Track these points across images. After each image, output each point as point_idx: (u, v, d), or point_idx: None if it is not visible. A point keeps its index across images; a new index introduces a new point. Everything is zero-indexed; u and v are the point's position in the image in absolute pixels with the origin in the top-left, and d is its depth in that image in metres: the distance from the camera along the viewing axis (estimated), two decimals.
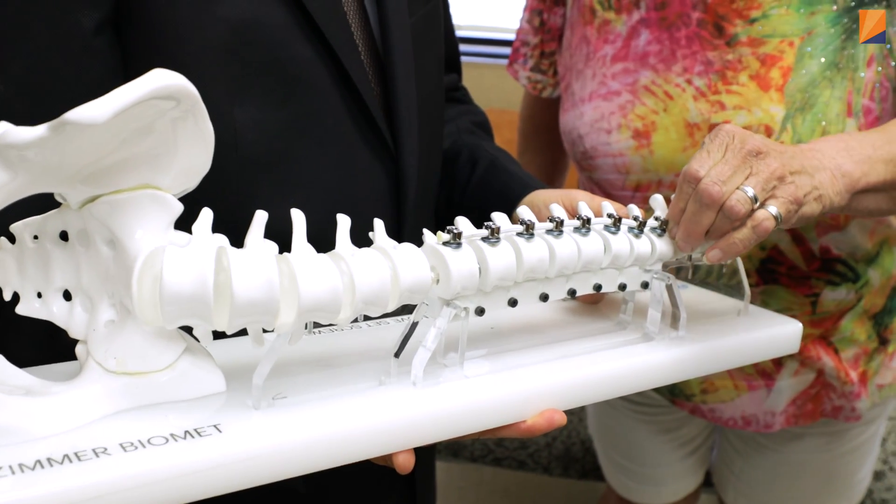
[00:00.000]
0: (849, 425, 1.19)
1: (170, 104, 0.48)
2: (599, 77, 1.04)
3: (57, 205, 0.54)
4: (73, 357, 0.59)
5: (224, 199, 0.61)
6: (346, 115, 0.76)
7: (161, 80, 0.46)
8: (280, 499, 0.71)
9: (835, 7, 1.00)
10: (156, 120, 0.49)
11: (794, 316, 0.98)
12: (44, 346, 0.61)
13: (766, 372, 1.12)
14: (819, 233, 1.04)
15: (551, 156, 1.37)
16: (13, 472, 0.45)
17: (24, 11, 0.62)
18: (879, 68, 1.00)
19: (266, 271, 0.51)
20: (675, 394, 1.18)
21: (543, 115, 1.32)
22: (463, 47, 1.11)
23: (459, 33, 1.06)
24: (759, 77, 1.00)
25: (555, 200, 0.79)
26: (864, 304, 1.09)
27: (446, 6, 0.97)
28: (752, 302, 0.86)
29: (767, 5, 1.00)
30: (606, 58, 1.05)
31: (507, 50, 2.41)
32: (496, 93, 2.25)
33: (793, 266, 1.06)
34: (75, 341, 0.57)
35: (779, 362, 1.12)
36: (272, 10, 0.71)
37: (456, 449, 1.78)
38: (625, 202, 1.04)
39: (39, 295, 0.55)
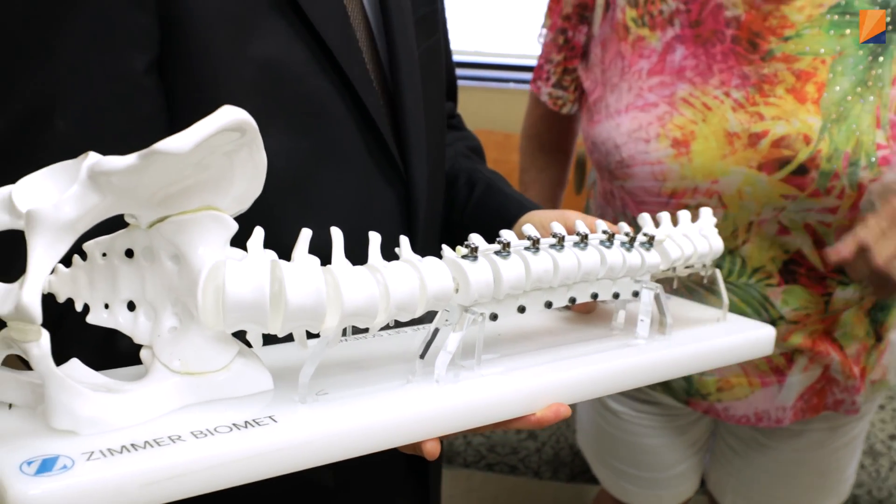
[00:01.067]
0: (843, 420, 1.28)
1: (235, 135, 0.55)
2: (636, 90, 1.12)
3: (123, 225, 0.61)
4: (123, 363, 0.66)
5: (255, 219, 0.68)
6: (361, 143, 0.83)
7: (231, 114, 0.53)
8: (309, 491, 0.78)
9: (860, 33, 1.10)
10: (221, 149, 0.56)
11: (808, 314, 1.07)
12: (100, 352, 0.68)
13: (778, 368, 1.20)
14: (836, 236, 1.13)
15: (554, 174, 1.44)
16: (104, 456, 0.52)
17: (84, 56, 0.69)
18: None
19: (315, 281, 0.59)
20: (690, 394, 1.26)
21: (550, 135, 1.40)
22: None
23: None
24: (795, 91, 1.09)
25: (552, 219, 0.87)
26: (864, 301, 1.19)
27: (447, 38, 1.05)
28: (769, 301, 0.95)
29: (800, 25, 1.10)
30: (642, 71, 1.13)
31: (492, 73, 2.51)
32: (482, 115, 2.34)
33: (812, 267, 1.15)
34: (127, 348, 0.63)
35: (790, 358, 1.20)
36: (295, 48, 0.78)
37: (450, 456, 1.86)
38: (659, 208, 1.12)
39: (106, 306, 0.62)
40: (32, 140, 0.69)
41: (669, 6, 1.15)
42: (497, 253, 0.68)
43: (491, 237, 0.71)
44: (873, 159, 1.09)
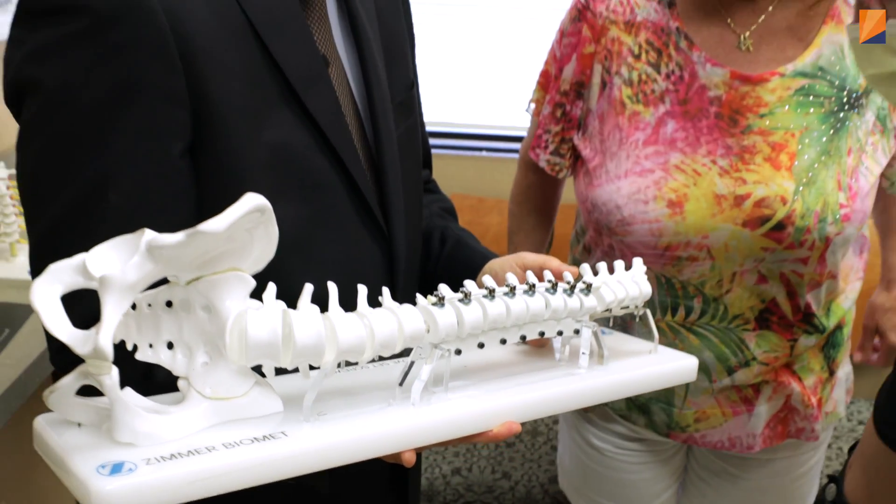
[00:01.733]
0: (804, 449, 1.46)
1: (256, 215, 0.72)
2: (634, 158, 1.30)
3: (164, 281, 0.78)
4: (159, 391, 0.82)
5: (267, 275, 0.84)
6: (351, 209, 1.01)
7: (254, 200, 0.70)
8: (307, 496, 0.94)
9: (823, 110, 1.29)
10: (244, 226, 0.73)
11: (776, 356, 1.26)
12: (141, 382, 0.84)
13: (747, 399, 1.39)
14: (808, 290, 1.32)
15: (541, 234, 1.62)
16: (158, 461, 0.68)
17: (134, 144, 0.85)
18: (855, 157, 1.29)
19: (316, 326, 0.75)
20: (671, 427, 1.43)
21: (542, 198, 1.57)
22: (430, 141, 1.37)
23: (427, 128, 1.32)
24: (771, 159, 1.29)
25: (509, 264, 1.04)
26: (819, 339, 1.37)
27: (421, 117, 1.23)
28: (744, 343, 1.13)
29: (773, 104, 1.29)
30: (639, 142, 1.31)
31: (465, 143, 2.70)
32: (457, 180, 2.52)
33: (783, 315, 1.34)
34: (163, 379, 0.80)
35: (757, 389, 1.39)
36: (299, 133, 0.95)
37: (430, 495, 2.01)
38: (655, 261, 1.30)
39: (151, 346, 0.79)
40: (90, 211, 0.85)
41: (660, 86, 1.33)
42: (460, 300, 0.85)
43: (459, 285, 0.88)
44: (838, 216, 1.28)
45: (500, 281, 1.00)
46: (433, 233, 1.20)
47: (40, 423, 0.75)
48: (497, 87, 2.71)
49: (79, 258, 0.70)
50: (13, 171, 1.86)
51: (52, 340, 0.90)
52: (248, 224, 0.72)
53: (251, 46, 0.92)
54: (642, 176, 1.31)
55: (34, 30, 0.87)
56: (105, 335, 0.66)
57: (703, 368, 1.36)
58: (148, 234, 0.69)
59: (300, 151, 0.95)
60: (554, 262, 1.01)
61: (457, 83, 2.68)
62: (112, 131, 0.86)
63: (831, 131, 1.30)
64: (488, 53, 2.72)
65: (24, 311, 1.56)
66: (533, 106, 1.51)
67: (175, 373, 0.78)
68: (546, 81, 1.48)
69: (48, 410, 0.75)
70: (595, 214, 1.36)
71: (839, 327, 1.41)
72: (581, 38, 1.40)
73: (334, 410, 0.80)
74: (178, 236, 0.68)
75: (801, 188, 1.28)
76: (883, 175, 1.39)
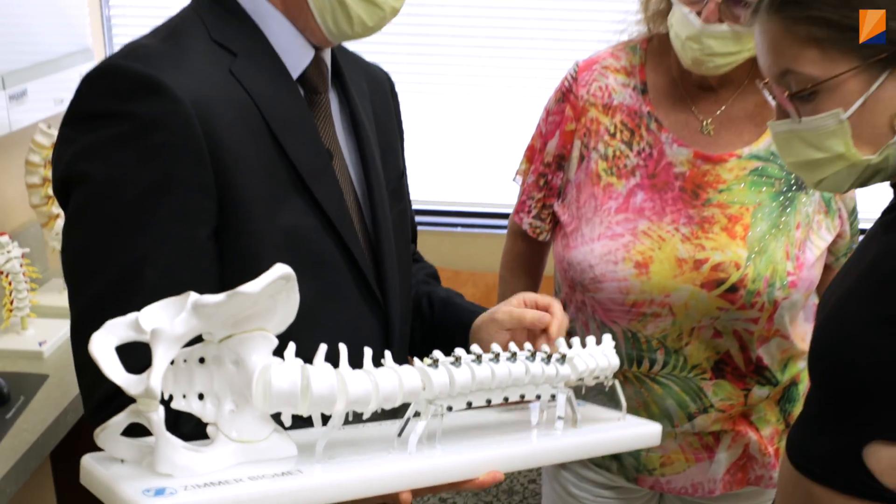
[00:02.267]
0: (765, 497, 1.58)
1: (283, 282, 0.85)
2: (606, 223, 1.46)
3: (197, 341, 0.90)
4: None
5: (285, 336, 0.96)
6: (353, 285, 1.14)
7: (282, 269, 0.84)
8: None
9: (774, 189, 1.47)
10: (270, 292, 0.86)
11: (732, 404, 1.40)
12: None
13: (708, 446, 1.52)
14: (758, 345, 1.46)
15: None
16: (194, 488, 0.80)
17: (168, 229, 0.98)
18: (803, 232, 1.45)
19: (329, 379, 0.88)
20: (639, 470, 1.55)
21: (529, 260, 1.71)
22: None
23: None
24: (727, 229, 1.45)
25: (500, 316, 1.19)
26: (773, 393, 1.50)
27: (409, 199, 1.38)
28: (703, 392, 1.26)
29: (730, 182, 1.47)
30: (611, 210, 1.47)
31: (443, 219, 2.88)
32: (434, 254, 2.69)
33: (737, 367, 1.48)
34: (190, 431, 0.91)
35: (718, 437, 1.52)
36: (307, 218, 1.10)
37: None
38: (622, 316, 1.43)
39: (184, 396, 0.90)
40: (129, 286, 0.97)
41: (632, 161, 1.50)
42: (452, 363, 0.98)
43: (452, 342, 1.01)
44: (785, 283, 1.44)
45: (489, 332, 1.14)
46: (421, 299, 1.34)
47: (88, 460, 0.86)
48: (470, 170, 2.90)
49: (131, 316, 0.83)
50: (27, 250, 1.99)
51: (90, 398, 1.02)
52: (275, 290, 0.86)
53: (267, 143, 1.07)
54: (613, 239, 1.47)
55: (85, 131, 1.01)
56: (156, 377, 0.79)
57: (666, 415, 1.49)
58: (194, 296, 0.82)
59: (309, 234, 1.10)
60: (556, 305, 1.16)
61: (432, 165, 2.85)
62: (150, 218, 0.99)
63: (781, 208, 1.47)
64: (461, 138, 2.92)
65: (37, 381, 1.68)
66: (520, 177, 1.68)
67: (204, 420, 0.89)
68: (531, 154, 1.64)
69: (61, 470, 0.86)
70: (570, 273, 1.52)
71: (794, 383, 1.55)
72: (564, 116, 1.57)
73: (342, 455, 0.92)
74: (220, 296, 0.81)
75: (753, 256, 1.44)
76: (829, 250, 1.55)
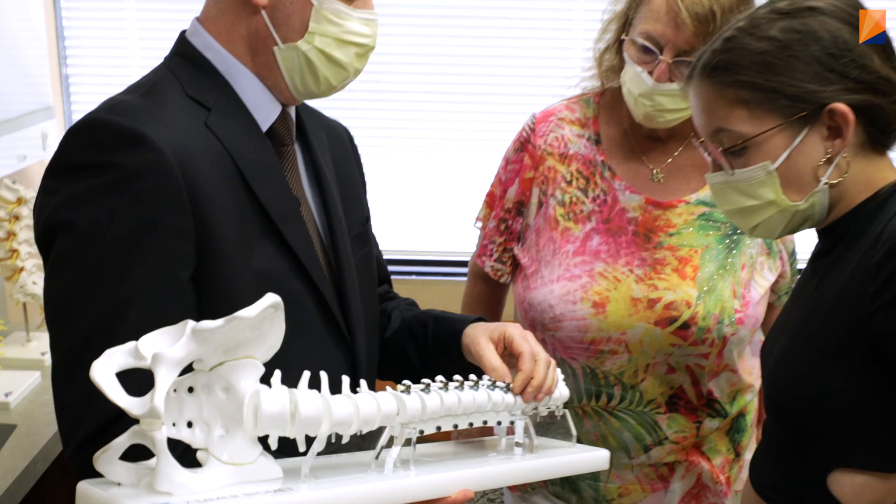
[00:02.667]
0: None
1: (271, 310, 0.92)
2: (565, 266, 1.55)
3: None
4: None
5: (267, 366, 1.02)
6: (321, 322, 1.21)
7: (273, 297, 0.90)
8: None
9: (720, 233, 1.59)
10: (259, 321, 0.93)
11: (685, 436, 1.51)
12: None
13: (663, 476, 1.61)
14: (709, 378, 1.57)
15: None
16: (196, 503, 0.85)
17: (151, 272, 1.04)
18: (747, 272, 1.57)
19: (315, 402, 0.94)
20: (598, 502, 1.62)
21: (490, 302, 1.80)
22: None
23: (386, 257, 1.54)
24: (678, 270, 1.56)
25: (493, 333, 1.26)
26: (722, 423, 1.60)
27: (377, 244, 1.46)
28: (658, 425, 1.40)
29: (680, 226, 1.59)
30: (569, 253, 1.57)
31: (399, 268, 2.95)
32: None
33: (689, 401, 1.58)
34: (175, 455, 0.97)
35: (672, 468, 1.61)
36: (279, 261, 1.17)
37: None
38: (581, 353, 1.52)
39: (174, 424, 0.96)
40: (113, 327, 1.02)
41: (588, 207, 1.61)
42: (422, 390, 1.06)
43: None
44: (733, 319, 1.55)
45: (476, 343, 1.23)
46: (412, 323, 1.40)
47: (84, 485, 0.91)
48: (425, 222, 3.02)
49: (130, 344, 0.89)
50: None
51: (73, 436, 1.05)
52: (265, 317, 0.93)
53: (240, 191, 1.14)
54: (571, 281, 1.57)
55: (70, 181, 1.06)
56: (159, 398, 0.85)
57: (623, 447, 1.58)
58: (192, 323, 0.88)
59: (280, 276, 1.17)
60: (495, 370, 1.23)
61: (385, 215, 2.94)
62: (133, 262, 1.05)
63: (727, 250, 1.59)
64: (409, 190, 3.03)
65: (5, 430, 1.71)
66: (480, 223, 1.77)
67: (194, 445, 0.95)
68: (492, 200, 1.74)
69: None
70: (531, 313, 1.61)
71: (742, 415, 1.65)
72: (523, 165, 1.67)
73: (325, 476, 0.98)
74: (219, 321, 0.87)
75: (702, 295, 1.55)
76: (771, 290, 1.67)
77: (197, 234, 1.08)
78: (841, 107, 1.13)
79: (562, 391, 1.24)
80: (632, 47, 1.54)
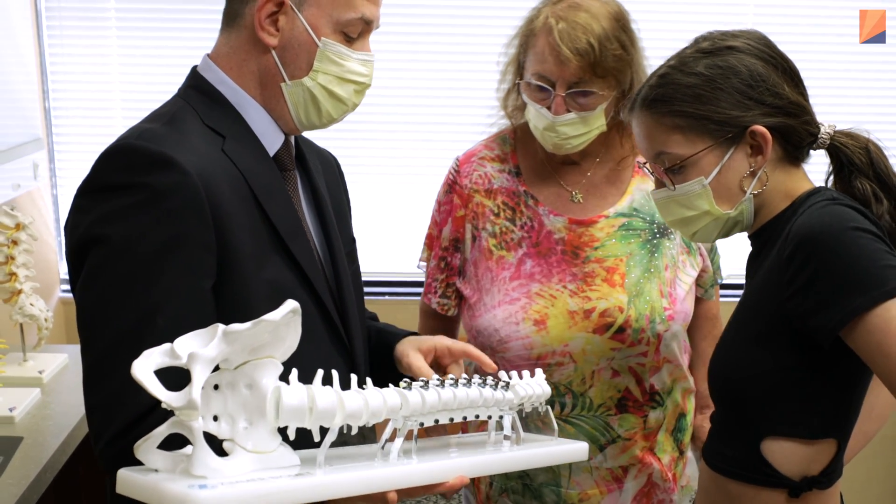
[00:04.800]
0: None
1: (290, 314, 1.05)
2: (504, 291, 1.69)
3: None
4: None
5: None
6: (324, 329, 1.33)
7: (293, 303, 1.03)
8: None
9: (641, 239, 1.74)
10: (279, 324, 1.06)
11: (635, 431, 1.66)
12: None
13: (618, 478, 1.74)
14: (650, 374, 1.71)
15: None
16: (231, 483, 0.97)
17: (178, 280, 1.14)
18: (671, 271, 1.72)
19: (330, 396, 1.07)
20: None
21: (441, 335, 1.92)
22: None
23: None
24: (607, 280, 1.71)
25: (422, 345, 1.39)
26: (666, 422, 1.75)
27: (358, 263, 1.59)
28: (610, 426, 1.60)
29: (603, 239, 1.74)
30: (506, 279, 1.71)
31: (388, 289, 3.09)
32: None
33: (636, 399, 1.73)
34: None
35: (625, 469, 1.75)
36: (287, 273, 1.29)
37: None
38: (530, 370, 1.60)
39: (202, 418, 1.08)
40: (143, 332, 1.12)
41: (517, 235, 1.75)
42: (422, 387, 1.19)
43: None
44: (664, 317, 1.71)
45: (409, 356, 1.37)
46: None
47: (125, 472, 1.03)
48: (391, 244, 3.13)
49: (166, 345, 1.01)
50: None
51: (103, 434, 1.16)
52: (285, 321, 1.06)
53: (253, 209, 1.27)
54: (512, 304, 1.72)
55: (103, 200, 1.18)
56: (196, 391, 0.97)
57: None
58: (222, 326, 1.01)
59: (289, 286, 1.29)
60: (475, 351, 1.37)
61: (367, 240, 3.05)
62: (162, 273, 1.16)
63: (649, 254, 1.75)
64: (390, 216, 3.15)
65: (13, 442, 1.80)
66: (423, 263, 1.91)
67: (220, 437, 1.06)
68: (430, 241, 1.88)
69: None
70: (479, 339, 1.75)
71: (683, 415, 1.80)
72: (453, 205, 1.82)
73: (338, 464, 1.10)
74: (247, 324, 1.00)
75: (632, 299, 1.70)
76: (698, 284, 1.82)
77: (218, 248, 1.20)
78: (760, 128, 1.33)
79: (544, 388, 1.37)
80: (528, 88, 1.71)
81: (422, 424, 1.18)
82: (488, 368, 1.38)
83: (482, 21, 2.99)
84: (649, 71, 1.64)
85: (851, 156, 1.36)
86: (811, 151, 1.40)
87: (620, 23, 1.68)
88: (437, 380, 1.21)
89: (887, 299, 1.20)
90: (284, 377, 1.08)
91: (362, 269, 1.55)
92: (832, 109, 2.93)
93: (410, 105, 3.11)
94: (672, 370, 1.77)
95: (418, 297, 1.94)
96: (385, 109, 3.04)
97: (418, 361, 1.38)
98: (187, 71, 1.36)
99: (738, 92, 1.33)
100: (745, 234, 1.45)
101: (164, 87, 1.47)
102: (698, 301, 1.84)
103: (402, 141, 3.13)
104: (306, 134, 1.47)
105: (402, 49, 3.05)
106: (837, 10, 2.76)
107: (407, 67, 3.06)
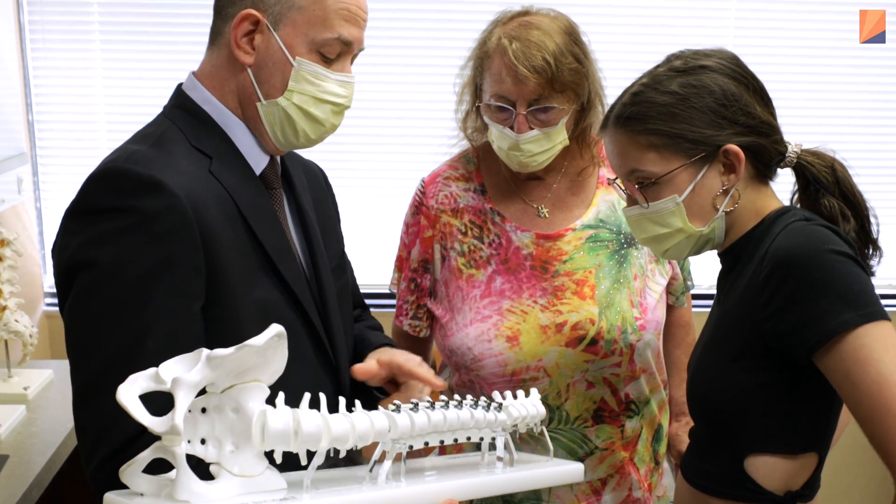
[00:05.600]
0: None
1: (276, 339, 1.04)
2: (475, 309, 1.68)
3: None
4: None
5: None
6: (311, 348, 1.33)
7: (278, 327, 1.02)
8: None
9: (608, 250, 1.74)
10: (265, 348, 1.05)
11: (613, 441, 1.65)
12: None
13: (596, 490, 1.75)
14: (625, 384, 1.71)
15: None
16: None
17: (168, 303, 1.14)
18: (640, 281, 1.71)
19: (316, 420, 1.06)
20: None
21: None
22: None
23: None
24: (577, 293, 1.70)
25: (381, 356, 1.38)
26: (644, 432, 1.74)
27: (352, 273, 1.58)
28: (587, 438, 1.53)
29: (571, 252, 1.73)
30: (476, 297, 1.70)
31: (376, 301, 3.03)
32: None
33: (612, 410, 1.72)
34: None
35: (604, 482, 1.75)
36: (275, 292, 1.29)
37: None
38: (505, 386, 1.64)
39: (189, 441, 1.07)
40: (131, 355, 1.12)
41: (486, 252, 1.76)
42: (411, 409, 1.18)
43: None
44: (635, 327, 1.71)
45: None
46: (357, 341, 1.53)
47: (111, 496, 1.02)
48: (375, 257, 3.05)
49: (152, 370, 1.00)
50: None
51: (94, 454, 1.16)
52: (270, 345, 1.05)
53: (241, 230, 1.27)
54: (484, 321, 1.72)
55: (92, 224, 1.17)
56: (179, 417, 0.96)
57: None
58: (206, 350, 1.00)
59: (277, 306, 1.29)
60: (421, 372, 1.36)
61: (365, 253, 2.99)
62: (152, 296, 1.16)
63: (618, 265, 1.75)
64: (375, 228, 3.13)
65: None
66: (394, 286, 1.90)
67: (207, 460, 1.06)
68: (400, 263, 1.88)
69: None
70: (453, 358, 1.75)
71: (660, 426, 1.80)
72: (420, 226, 1.83)
73: (325, 487, 1.09)
74: (230, 349, 0.99)
75: (603, 311, 1.70)
76: (668, 292, 1.83)
77: (207, 269, 1.19)
78: (734, 147, 1.34)
79: (539, 409, 1.36)
80: (488, 110, 1.72)
81: (411, 447, 1.17)
82: (436, 387, 1.38)
83: (462, 33, 2.97)
84: (605, 82, 1.68)
85: (818, 174, 1.38)
86: (778, 170, 1.42)
87: (572, 36, 1.70)
88: (428, 401, 1.20)
89: (859, 325, 1.22)
90: (271, 400, 1.07)
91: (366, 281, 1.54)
92: (832, 111, 2.97)
93: (395, 117, 3.11)
94: (648, 379, 1.77)
95: (393, 310, 1.94)
96: (370, 122, 3.05)
97: (363, 367, 1.38)
98: (172, 85, 1.36)
99: (712, 111, 1.34)
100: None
101: (148, 100, 1.48)
102: (670, 309, 1.85)
103: (388, 153, 3.13)
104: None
105: (396, 60, 3.05)
106: (837, 10, 2.68)
107: (399, 76, 3.06)
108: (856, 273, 1.26)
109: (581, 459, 1.73)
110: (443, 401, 1.22)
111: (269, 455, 1.07)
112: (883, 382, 1.20)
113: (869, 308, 1.23)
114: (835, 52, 2.88)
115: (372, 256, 3.02)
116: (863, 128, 3.06)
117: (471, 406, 1.25)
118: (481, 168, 1.83)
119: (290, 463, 1.07)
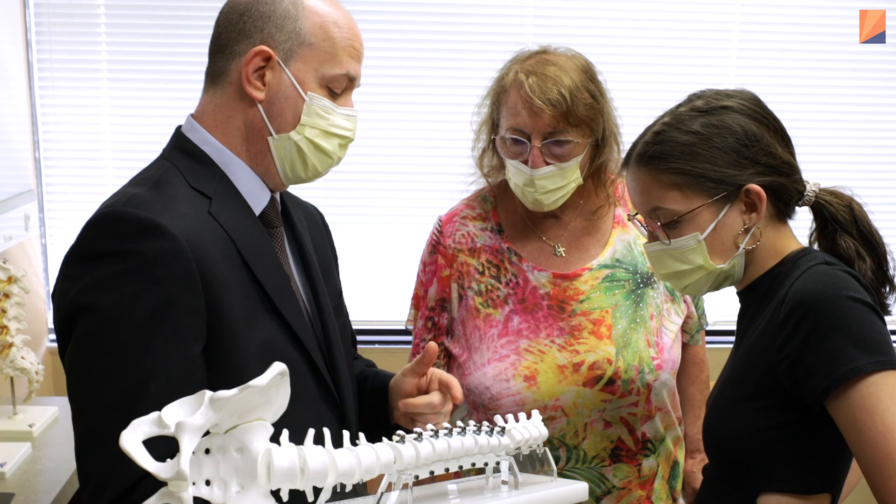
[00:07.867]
0: None
1: (279, 377, 1.05)
2: (493, 349, 1.69)
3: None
4: None
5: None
6: (315, 387, 1.33)
7: (280, 366, 1.03)
8: None
9: (625, 290, 1.74)
10: (268, 388, 1.06)
11: (629, 480, 1.65)
12: None
13: None
14: (642, 423, 1.71)
15: None
16: None
17: (169, 346, 1.14)
18: (657, 320, 1.71)
19: (322, 456, 1.07)
20: None
21: None
22: None
23: None
24: (595, 332, 1.71)
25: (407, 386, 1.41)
26: (661, 470, 1.74)
27: (347, 315, 1.59)
28: (604, 477, 1.55)
29: (588, 292, 1.74)
30: (494, 336, 1.71)
31: (380, 337, 3.09)
32: None
33: (629, 449, 1.72)
34: None
35: None
36: (276, 332, 1.29)
37: None
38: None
39: (194, 483, 1.08)
40: (133, 399, 1.12)
41: (503, 292, 1.76)
42: (415, 439, 1.19)
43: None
44: (652, 366, 1.70)
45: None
46: (358, 378, 1.54)
47: None
48: (382, 293, 3.13)
49: (154, 414, 1.01)
50: None
51: (97, 500, 1.17)
52: (273, 384, 1.06)
53: (241, 270, 1.27)
54: (501, 361, 1.72)
55: (91, 268, 1.17)
56: (184, 461, 0.96)
57: None
58: (209, 393, 1.01)
59: (279, 346, 1.29)
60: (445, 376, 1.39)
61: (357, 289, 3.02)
62: (153, 340, 1.15)
63: (634, 305, 1.75)
64: (381, 264, 3.15)
65: (4, 498, 1.79)
66: (411, 324, 1.91)
67: (213, 502, 1.06)
68: (417, 302, 1.88)
69: None
70: (471, 397, 1.75)
71: (676, 462, 1.80)
72: (438, 265, 1.84)
73: None
74: (233, 391, 0.99)
75: (620, 350, 1.71)
76: (683, 331, 1.82)
77: (207, 311, 1.20)
78: (755, 187, 1.36)
79: (541, 430, 1.37)
80: (503, 144, 1.73)
81: (417, 477, 1.18)
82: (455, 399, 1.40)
83: (474, 72, 3.00)
84: (620, 121, 1.67)
85: (836, 213, 1.39)
86: (796, 208, 1.43)
87: (588, 74, 1.72)
88: (431, 430, 1.21)
89: (871, 373, 1.23)
90: (275, 438, 1.07)
91: (353, 317, 1.56)
92: (831, 114, 2.96)
93: (400, 154, 3.12)
94: (663, 417, 1.77)
95: (408, 346, 1.95)
96: (375, 159, 3.05)
97: (408, 385, 1.43)
98: (179, 123, 1.37)
99: (734, 151, 1.36)
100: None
101: (155, 139, 1.49)
102: (685, 347, 1.85)
103: (392, 190, 3.14)
104: (293, 189, 1.48)
105: (412, 99, 3.07)
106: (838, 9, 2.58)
107: (400, 115, 3.06)
108: (872, 321, 1.27)
109: (598, 499, 1.73)
110: (446, 428, 1.22)
111: (276, 493, 1.07)
112: (888, 433, 1.20)
113: (882, 357, 1.24)
114: (849, 91, 2.76)
115: (388, 293, 3.05)
116: (871, 158, 2.98)
117: (474, 432, 1.25)
118: (498, 207, 1.85)
119: (296, 500, 1.08)
